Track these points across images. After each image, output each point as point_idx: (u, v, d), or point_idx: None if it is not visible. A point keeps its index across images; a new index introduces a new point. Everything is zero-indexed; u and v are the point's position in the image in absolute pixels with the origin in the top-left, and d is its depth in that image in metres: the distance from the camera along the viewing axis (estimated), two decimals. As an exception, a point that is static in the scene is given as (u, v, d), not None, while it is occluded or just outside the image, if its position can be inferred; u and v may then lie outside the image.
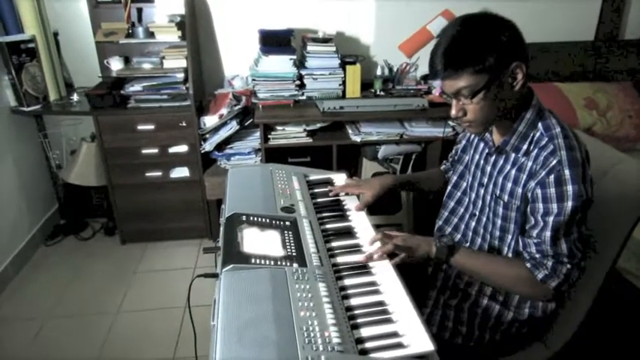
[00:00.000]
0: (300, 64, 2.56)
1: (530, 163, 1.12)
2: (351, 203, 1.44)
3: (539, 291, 1.11)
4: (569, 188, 1.04)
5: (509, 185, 1.16)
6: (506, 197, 1.17)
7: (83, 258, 2.65)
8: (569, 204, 1.04)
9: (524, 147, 1.14)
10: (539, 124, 1.12)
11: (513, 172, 1.16)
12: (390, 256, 1.16)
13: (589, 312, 1.29)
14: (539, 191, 1.08)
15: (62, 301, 2.32)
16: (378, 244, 1.19)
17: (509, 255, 1.20)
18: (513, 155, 1.17)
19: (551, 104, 1.20)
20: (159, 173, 2.59)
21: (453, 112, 1.12)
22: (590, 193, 1.07)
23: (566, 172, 1.04)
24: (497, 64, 1.03)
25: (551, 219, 1.06)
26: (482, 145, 1.29)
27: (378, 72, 2.69)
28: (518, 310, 1.25)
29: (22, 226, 2.62)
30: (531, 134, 1.13)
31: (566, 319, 1.32)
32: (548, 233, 1.07)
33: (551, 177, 1.05)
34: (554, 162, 1.06)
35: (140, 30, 2.48)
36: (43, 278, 2.50)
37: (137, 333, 2.11)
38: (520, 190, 1.13)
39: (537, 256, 1.09)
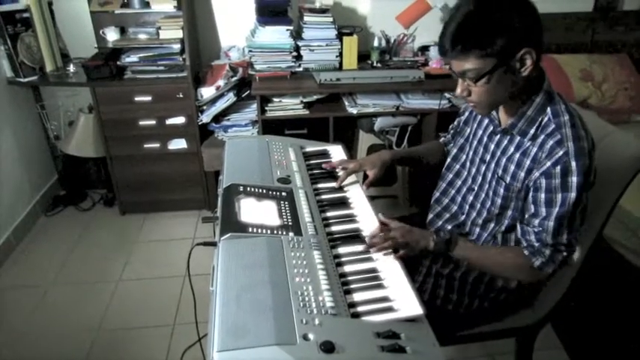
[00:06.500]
0: (297, 35, 2.55)
1: (535, 149, 1.11)
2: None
3: (535, 276, 1.16)
4: (574, 179, 1.04)
5: (512, 168, 1.16)
6: (508, 179, 1.17)
7: (83, 228, 2.69)
8: (573, 195, 1.05)
9: (532, 131, 1.12)
10: (548, 109, 1.11)
11: (517, 155, 1.15)
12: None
13: (575, 279, 1.34)
14: (543, 181, 1.07)
15: (64, 269, 2.38)
16: (377, 239, 1.16)
17: (502, 229, 1.22)
18: (519, 138, 1.15)
19: (547, 76, 1.21)
20: (157, 145, 2.60)
21: (458, 91, 1.12)
22: (592, 180, 1.09)
23: (573, 163, 1.04)
24: (506, 50, 1.01)
25: (555, 210, 1.07)
26: (486, 121, 1.28)
27: (375, 43, 2.67)
28: (507, 280, 1.28)
29: (22, 196, 2.65)
30: (539, 119, 1.11)
31: (553, 286, 1.37)
32: (551, 224, 1.08)
33: (558, 168, 1.05)
34: (561, 153, 1.05)
35: (135, -1, 2.45)
36: (44, 248, 2.54)
37: (138, 300, 2.17)
38: (522, 174, 1.13)
39: (536, 244, 1.11)
